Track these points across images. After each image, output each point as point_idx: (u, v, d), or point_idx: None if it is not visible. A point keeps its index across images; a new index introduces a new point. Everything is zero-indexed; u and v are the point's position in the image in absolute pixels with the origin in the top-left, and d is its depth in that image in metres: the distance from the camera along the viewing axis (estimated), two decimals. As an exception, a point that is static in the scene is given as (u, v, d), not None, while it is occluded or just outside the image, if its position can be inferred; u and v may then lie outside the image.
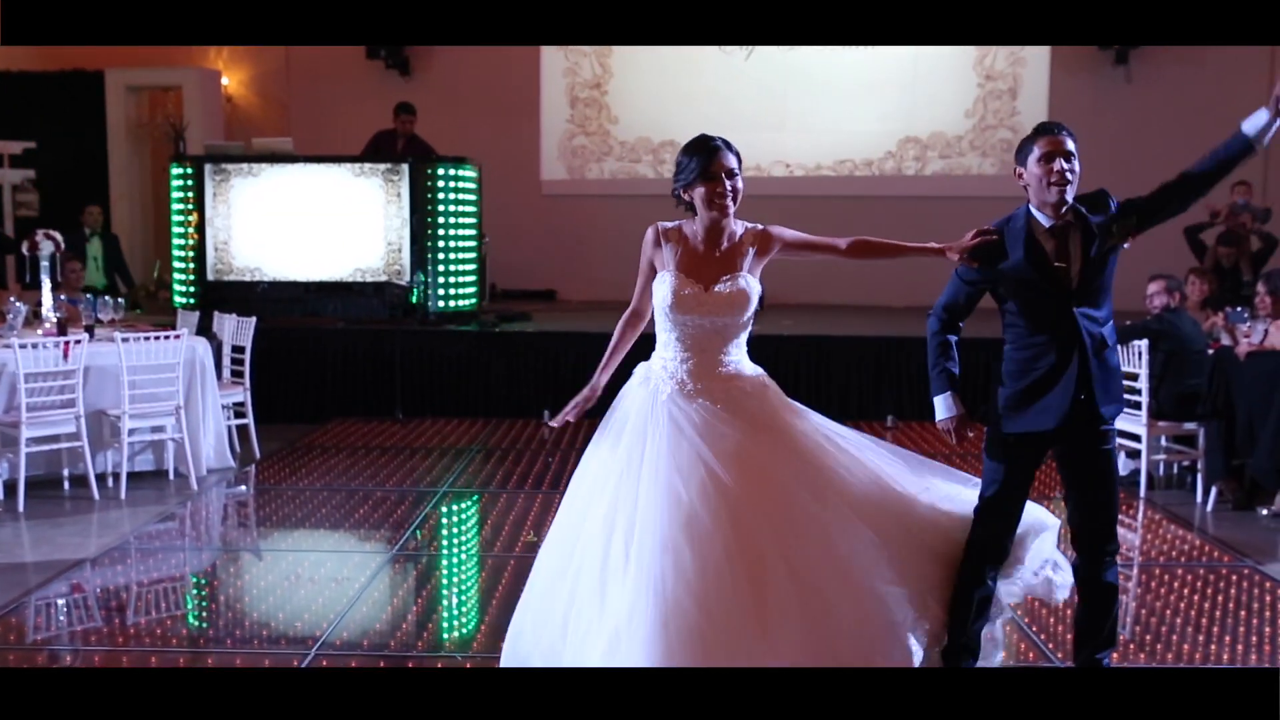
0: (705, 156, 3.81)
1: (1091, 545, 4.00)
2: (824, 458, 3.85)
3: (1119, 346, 7.25)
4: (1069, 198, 3.82)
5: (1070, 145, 3.83)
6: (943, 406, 4.03)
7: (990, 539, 3.96)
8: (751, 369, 3.92)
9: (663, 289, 3.85)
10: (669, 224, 3.96)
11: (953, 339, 4.07)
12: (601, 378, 4.04)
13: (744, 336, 3.93)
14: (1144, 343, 7.23)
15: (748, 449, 3.71)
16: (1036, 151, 3.82)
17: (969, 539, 4.00)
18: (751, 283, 3.90)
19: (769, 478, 3.70)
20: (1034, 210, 3.89)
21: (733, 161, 3.83)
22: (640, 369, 3.96)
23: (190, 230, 10.45)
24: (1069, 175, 3.80)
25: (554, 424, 4.12)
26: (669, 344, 3.88)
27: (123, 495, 7.19)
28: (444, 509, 7.20)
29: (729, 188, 3.82)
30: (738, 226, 3.94)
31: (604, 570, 3.66)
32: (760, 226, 3.99)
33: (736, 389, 3.83)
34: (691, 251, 3.89)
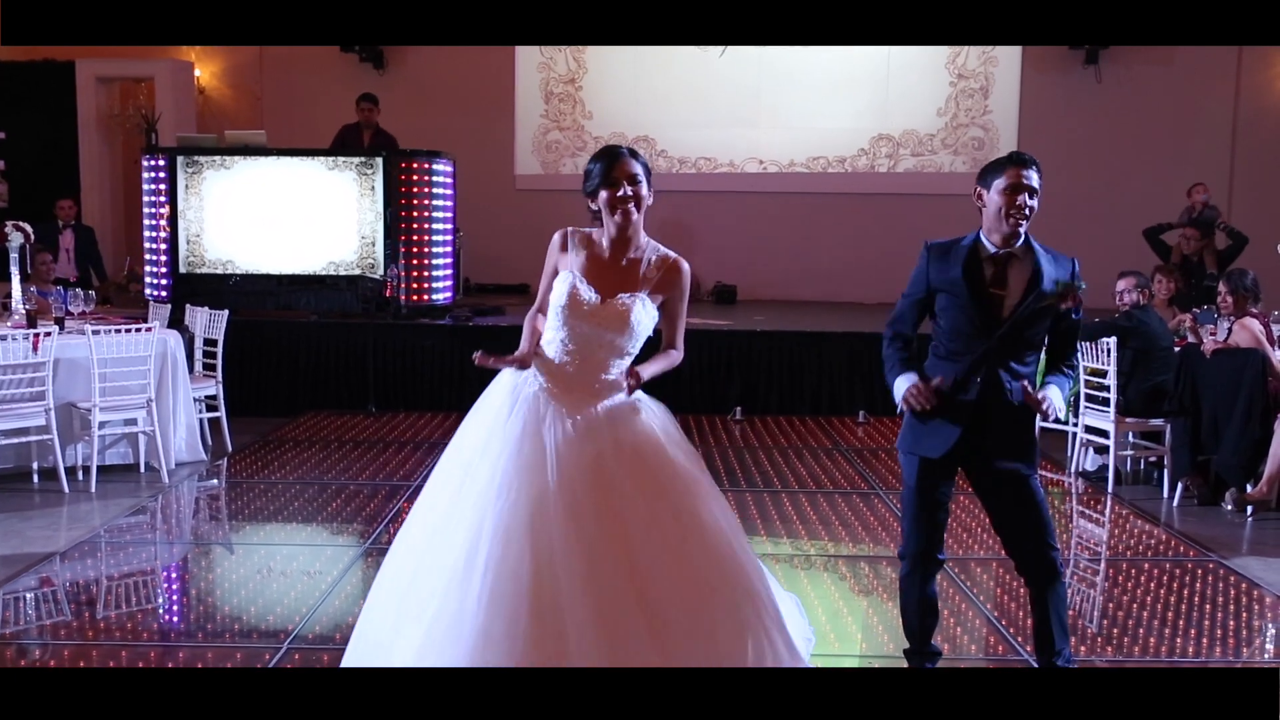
0: (608, 162, 3.77)
1: (1026, 573, 4.03)
2: (677, 491, 3.73)
3: (1085, 344, 7.39)
4: (1022, 232, 3.86)
5: (1036, 181, 3.84)
6: (903, 380, 3.96)
7: (921, 548, 4.03)
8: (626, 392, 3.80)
9: (562, 288, 3.80)
10: (580, 229, 3.92)
11: (901, 345, 4.07)
12: (527, 348, 3.87)
13: (628, 360, 3.83)
14: (1112, 340, 7.31)
15: (604, 465, 3.64)
16: (1002, 181, 3.83)
17: (903, 551, 4.09)
18: (649, 308, 3.81)
19: (618, 495, 3.62)
20: (983, 236, 3.93)
21: (636, 168, 3.77)
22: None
23: (163, 224, 10.39)
24: (1028, 211, 3.83)
25: (477, 360, 3.79)
26: (553, 342, 3.82)
27: (93, 488, 7.15)
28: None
29: (629, 192, 3.75)
30: (649, 245, 3.88)
31: (442, 564, 3.62)
32: (674, 257, 3.88)
33: (605, 405, 3.75)
34: (597, 259, 3.85)
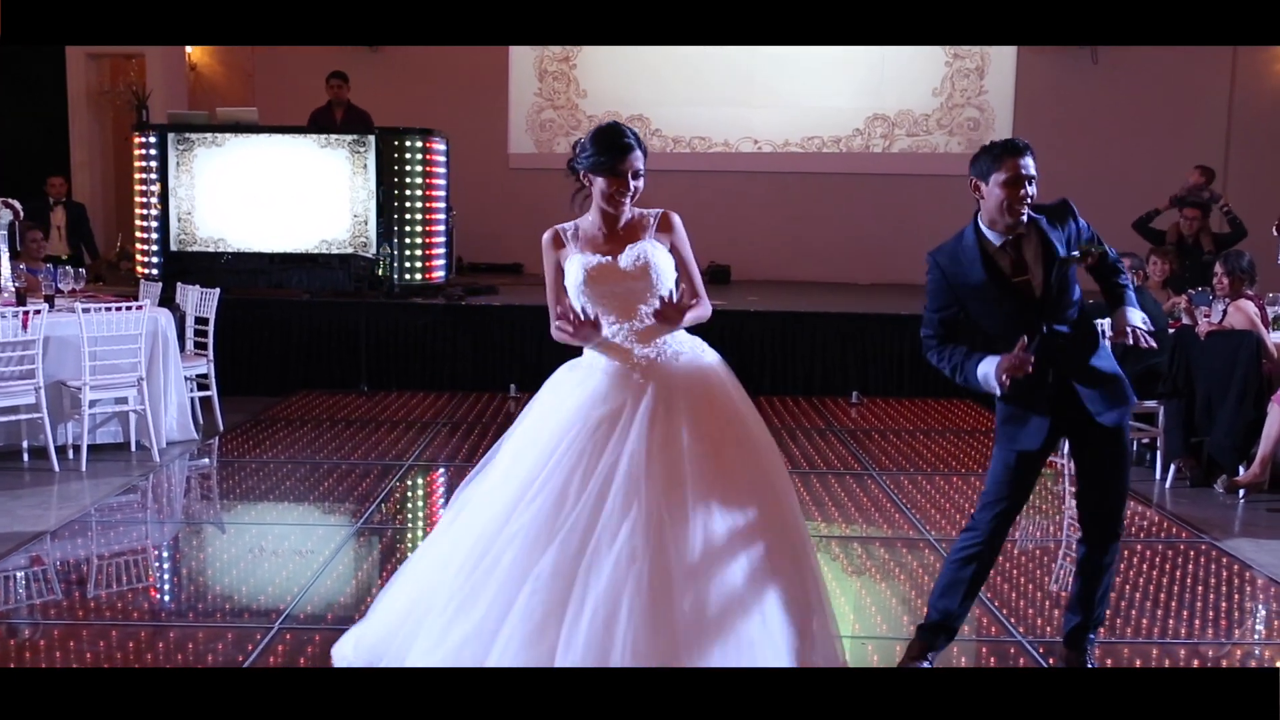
0: (616, 155, 3.73)
1: (1093, 533, 4.08)
2: (754, 446, 3.77)
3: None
4: (1024, 219, 3.85)
5: (1034, 168, 3.81)
6: (988, 363, 3.84)
7: (998, 526, 4.04)
8: (684, 335, 3.85)
9: (573, 269, 3.81)
10: (565, 225, 3.91)
11: (953, 345, 4.01)
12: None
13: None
14: (1106, 321, 7.29)
15: (675, 436, 3.62)
16: (1002, 175, 3.78)
17: (974, 523, 4.08)
18: (660, 249, 3.82)
19: (686, 453, 3.61)
20: (983, 227, 3.90)
21: (640, 162, 3.76)
22: (568, 364, 3.89)
23: (154, 201, 10.34)
24: (1029, 201, 3.82)
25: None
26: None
27: (83, 467, 7.12)
28: (409, 483, 7.19)
29: (632, 188, 3.77)
30: (634, 211, 3.88)
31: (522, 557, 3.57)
32: (661, 210, 3.90)
33: (672, 354, 3.77)
34: (593, 238, 3.85)
